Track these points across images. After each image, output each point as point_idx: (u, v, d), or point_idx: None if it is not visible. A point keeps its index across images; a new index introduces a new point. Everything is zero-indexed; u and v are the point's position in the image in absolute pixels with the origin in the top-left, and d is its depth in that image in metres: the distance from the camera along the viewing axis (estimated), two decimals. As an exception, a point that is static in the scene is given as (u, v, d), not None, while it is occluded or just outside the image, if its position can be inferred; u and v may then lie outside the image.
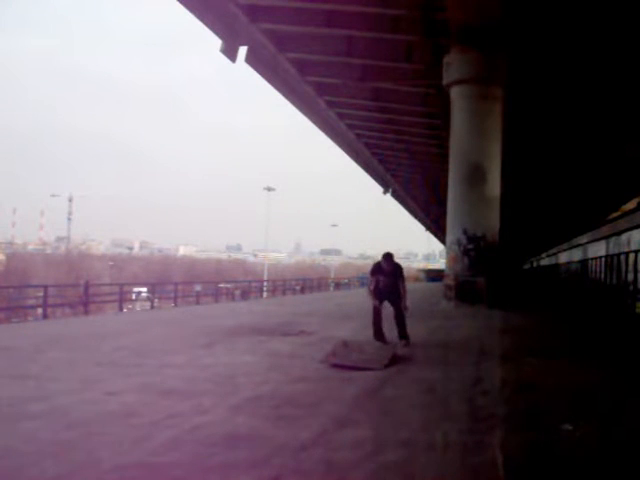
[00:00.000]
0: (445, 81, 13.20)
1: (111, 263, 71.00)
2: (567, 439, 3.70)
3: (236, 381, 5.37)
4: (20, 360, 6.29)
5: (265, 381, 5.33)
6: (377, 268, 8.50)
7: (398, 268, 8.52)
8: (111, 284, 30.22)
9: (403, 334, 8.15)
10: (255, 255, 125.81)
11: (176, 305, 21.38)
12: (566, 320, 12.88)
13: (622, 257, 18.76)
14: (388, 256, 8.55)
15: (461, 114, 13.10)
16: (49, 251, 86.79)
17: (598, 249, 23.19)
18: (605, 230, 22.11)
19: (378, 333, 8.04)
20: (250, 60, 14.79)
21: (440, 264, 65.76)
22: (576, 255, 30.15)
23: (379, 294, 8.36)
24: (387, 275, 8.35)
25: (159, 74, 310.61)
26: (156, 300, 22.64)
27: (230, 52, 13.65)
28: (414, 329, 9.63)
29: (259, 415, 4.16)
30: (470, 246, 12.72)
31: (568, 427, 3.86)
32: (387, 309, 8.27)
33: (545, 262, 49.06)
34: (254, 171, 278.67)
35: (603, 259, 22.23)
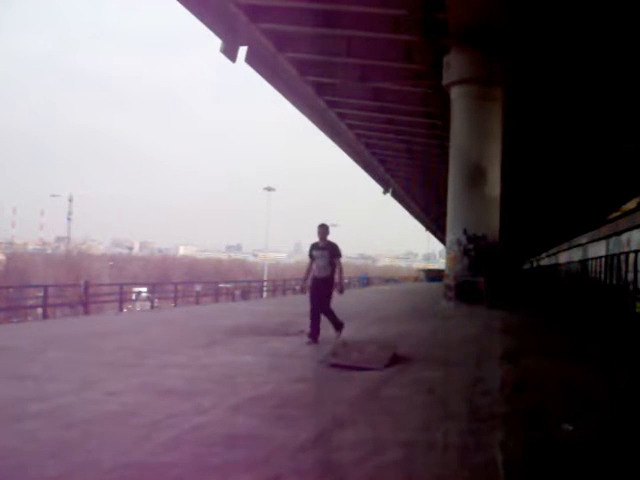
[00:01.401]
0: (445, 81, 13.19)
1: (111, 263, 70.99)
2: (567, 439, 3.69)
3: (236, 381, 5.37)
4: (20, 360, 6.28)
5: (265, 381, 5.33)
6: (314, 245, 7.64)
7: (333, 247, 7.58)
8: (111, 284, 30.22)
9: (336, 325, 7.72)
10: (255, 255, 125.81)
11: (176, 305, 21.40)
12: (566, 320, 12.87)
13: (622, 257, 18.78)
14: (321, 228, 7.55)
15: (461, 114, 13.10)
16: (49, 251, 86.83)
17: (598, 249, 23.22)
18: (605, 230, 22.14)
19: (313, 331, 7.47)
20: (250, 60, 14.78)
21: (440, 264, 65.78)
22: (576, 255, 30.18)
23: (312, 282, 7.58)
24: (322, 250, 7.48)
25: (159, 74, 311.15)
26: (156, 300, 22.68)
27: (230, 52, 13.64)
28: (414, 329, 9.65)
29: (259, 415, 4.16)
30: (470, 246, 12.71)
31: (568, 427, 3.86)
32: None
33: (545, 262, 49.10)
34: (254, 171, 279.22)
35: (603, 259, 22.25)
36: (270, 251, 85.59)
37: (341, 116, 20.95)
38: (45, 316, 16.05)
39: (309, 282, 7.70)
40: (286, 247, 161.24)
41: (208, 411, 4.25)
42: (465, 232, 12.79)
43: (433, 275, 49.65)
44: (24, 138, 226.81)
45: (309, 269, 7.80)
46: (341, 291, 7.86)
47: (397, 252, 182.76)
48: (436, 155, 22.20)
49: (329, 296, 7.68)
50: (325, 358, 6.21)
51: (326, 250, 7.53)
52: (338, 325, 7.78)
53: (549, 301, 20.82)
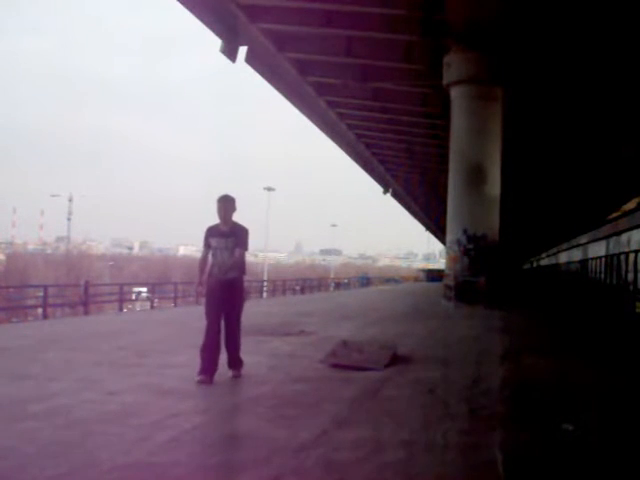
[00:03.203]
0: (445, 81, 13.19)
1: (111, 263, 71.01)
2: (567, 438, 3.69)
3: (236, 381, 5.37)
4: (20, 360, 6.28)
5: (265, 381, 5.33)
6: (213, 231, 5.27)
7: (241, 234, 5.27)
8: (111, 284, 30.22)
9: (235, 358, 5.35)
10: (255, 255, 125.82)
11: (176, 305, 21.38)
12: (566, 320, 12.88)
13: (622, 257, 18.77)
14: (224, 202, 5.19)
15: (461, 114, 13.10)
16: (49, 251, 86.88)
17: (598, 249, 23.20)
18: (605, 230, 22.13)
19: (208, 358, 5.07)
20: (250, 60, 14.77)
21: (440, 264, 65.81)
22: (576, 255, 30.16)
23: (210, 286, 5.21)
24: (225, 238, 5.18)
25: (159, 73, 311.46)
26: (156, 300, 22.65)
27: (230, 52, 13.63)
28: (414, 329, 9.65)
29: (259, 415, 4.16)
30: (470, 246, 12.70)
31: (568, 427, 3.86)
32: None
33: (545, 262, 49.08)
34: (254, 171, 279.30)
35: (603, 259, 22.24)
36: (270, 251, 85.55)
37: (341, 116, 20.94)
38: (45, 316, 16.04)
39: (204, 286, 5.35)
40: (286, 247, 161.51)
41: (208, 411, 4.25)
42: (465, 232, 12.78)
43: (433, 275, 49.76)
44: (24, 138, 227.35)
45: (204, 264, 5.33)
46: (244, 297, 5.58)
47: (397, 252, 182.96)
48: (436, 155, 22.20)
49: (239, 308, 5.41)
50: (325, 358, 6.21)
51: (231, 238, 5.19)
52: (238, 360, 5.43)
53: (549, 301, 20.82)
